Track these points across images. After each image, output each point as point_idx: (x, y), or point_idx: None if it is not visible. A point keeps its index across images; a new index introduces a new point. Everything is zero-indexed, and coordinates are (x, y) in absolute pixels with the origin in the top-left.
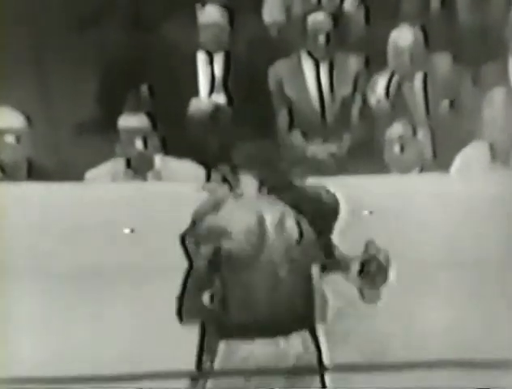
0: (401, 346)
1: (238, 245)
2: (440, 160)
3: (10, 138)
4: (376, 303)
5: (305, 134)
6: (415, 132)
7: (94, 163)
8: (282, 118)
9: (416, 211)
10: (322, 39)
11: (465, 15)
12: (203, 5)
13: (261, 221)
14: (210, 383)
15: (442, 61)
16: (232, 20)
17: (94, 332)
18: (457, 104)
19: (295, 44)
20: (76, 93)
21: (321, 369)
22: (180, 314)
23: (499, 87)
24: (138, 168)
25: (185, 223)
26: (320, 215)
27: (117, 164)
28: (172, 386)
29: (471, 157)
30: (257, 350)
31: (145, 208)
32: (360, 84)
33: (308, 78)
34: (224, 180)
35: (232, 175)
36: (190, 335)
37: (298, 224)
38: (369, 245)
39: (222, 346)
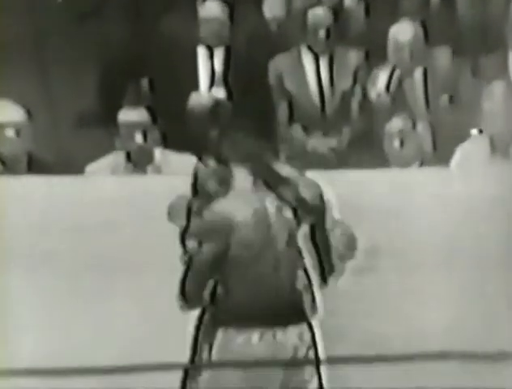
0: (400, 344)
1: (246, 238)
2: (440, 153)
3: (10, 132)
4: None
5: (305, 128)
6: (414, 126)
7: (94, 156)
8: (282, 112)
9: (415, 205)
10: (322, 33)
11: (464, 10)
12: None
13: (265, 213)
14: (207, 374)
15: (442, 56)
16: (232, 15)
17: (94, 325)
18: (457, 98)
19: (295, 38)
20: (76, 87)
21: (317, 361)
22: (183, 298)
23: (498, 80)
24: (138, 161)
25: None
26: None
27: (117, 158)
28: (172, 377)
29: (471, 151)
30: (254, 339)
31: (144, 202)
32: (360, 78)
33: (308, 72)
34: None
35: (224, 168)
36: (190, 327)
37: (295, 214)
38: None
39: (220, 334)
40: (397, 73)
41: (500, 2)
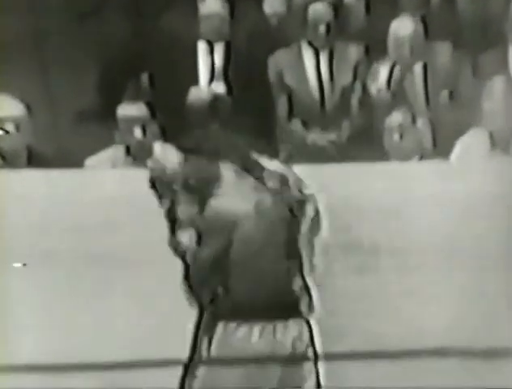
0: (399, 343)
1: (248, 233)
2: (440, 148)
3: (10, 126)
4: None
5: (304, 123)
6: (414, 120)
7: (94, 150)
8: (282, 107)
9: (415, 199)
10: (322, 29)
11: (465, 5)
12: None
13: (265, 207)
14: (205, 370)
15: (442, 51)
16: (232, 11)
17: (93, 324)
18: (456, 93)
19: (295, 34)
20: (76, 82)
21: (315, 358)
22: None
23: (499, 75)
24: (138, 155)
25: None
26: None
27: (116, 152)
28: (171, 373)
29: (471, 145)
30: (255, 334)
31: (144, 196)
32: (360, 73)
33: (308, 67)
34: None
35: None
36: (190, 323)
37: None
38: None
39: (220, 328)
40: (397, 68)
41: None
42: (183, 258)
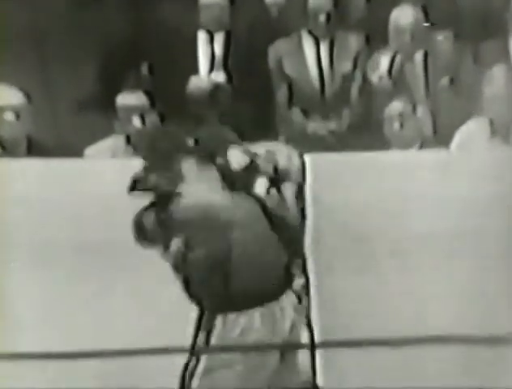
0: (399, 325)
1: (233, 223)
2: (440, 136)
3: (9, 115)
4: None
5: (304, 112)
6: (414, 109)
7: (93, 139)
8: (281, 96)
9: (415, 187)
10: (322, 18)
11: None
12: None
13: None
14: (206, 360)
15: (443, 40)
16: (232, 0)
17: (95, 307)
18: (457, 82)
19: (295, 23)
20: (76, 71)
21: (312, 345)
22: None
23: (499, 64)
24: (138, 144)
25: None
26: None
27: (116, 141)
28: (172, 361)
29: (471, 133)
30: (256, 321)
31: None
32: (361, 62)
33: (308, 56)
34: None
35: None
36: (189, 312)
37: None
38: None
39: (219, 321)
40: (398, 57)
41: None
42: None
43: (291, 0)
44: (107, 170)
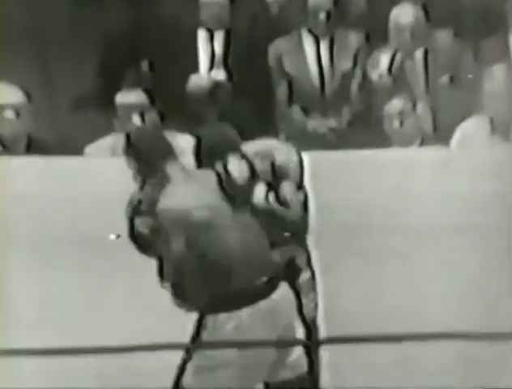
0: (400, 323)
1: (209, 220)
2: (440, 134)
3: (9, 114)
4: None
5: (304, 110)
6: (414, 107)
7: (93, 138)
8: (281, 94)
9: (415, 185)
10: (322, 16)
11: None
12: None
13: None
14: (198, 359)
15: (443, 38)
16: None
17: (94, 305)
18: (457, 80)
19: (295, 21)
20: (76, 69)
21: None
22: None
23: (499, 62)
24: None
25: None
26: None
27: (116, 139)
28: (168, 357)
29: (472, 131)
30: (246, 320)
31: None
32: (361, 60)
33: (308, 54)
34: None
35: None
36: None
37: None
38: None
39: (209, 321)
40: (398, 55)
41: None
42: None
43: None
44: (106, 168)
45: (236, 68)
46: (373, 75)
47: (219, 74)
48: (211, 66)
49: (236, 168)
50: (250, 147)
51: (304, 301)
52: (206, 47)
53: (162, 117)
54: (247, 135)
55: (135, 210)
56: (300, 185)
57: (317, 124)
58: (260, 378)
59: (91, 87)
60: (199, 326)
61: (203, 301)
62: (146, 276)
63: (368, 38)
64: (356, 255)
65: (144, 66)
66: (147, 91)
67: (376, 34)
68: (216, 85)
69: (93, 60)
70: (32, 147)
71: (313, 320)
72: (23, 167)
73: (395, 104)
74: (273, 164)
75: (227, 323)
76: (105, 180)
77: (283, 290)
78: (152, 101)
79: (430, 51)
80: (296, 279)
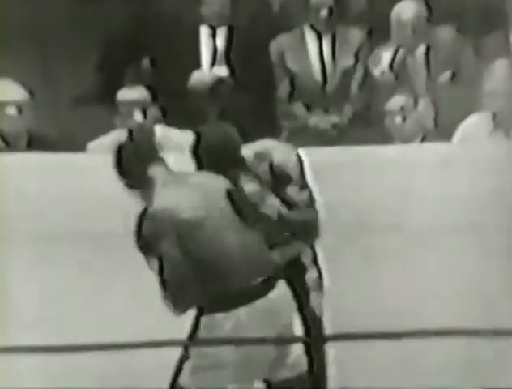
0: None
1: (199, 220)
2: (442, 130)
3: (11, 110)
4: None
5: (306, 106)
6: (416, 103)
7: (95, 134)
8: (283, 90)
9: (417, 182)
10: (324, 13)
11: None
12: None
13: (207, 193)
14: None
15: (445, 34)
16: None
17: (93, 302)
18: (459, 76)
19: (297, 18)
20: (78, 65)
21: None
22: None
23: (501, 58)
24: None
25: None
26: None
27: (119, 135)
28: (167, 356)
29: (474, 127)
30: (242, 318)
31: None
32: (362, 56)
33: (310, 50)
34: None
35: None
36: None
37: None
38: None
39: (206, 320)
40: (402, 52)
41: None
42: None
43: None
44: (108, 165)
45: (237, 64)
46: (375, 72)
47: (222, 71)
48: (213, 63)
49: (250, 187)
50: (249, 148)
51: (312, 299)
52: (209, 43)
53: (164, 114)
54: (249, 131)
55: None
56: (303, 185)
57: (318, 120)
58: (258, 377)
59: (93, 84)
60: (196, 325)
61: (200, 301)
62: (146, 275)
63: (370, 34)
64: (357, 255)
65: (146, 62)
66: (149, 88)
67: (378, 30)
68: (218, 81)
69: (95, 57)
70: (34, 143)
71: (320, 318)
72: (25, 163)
73: (397, 101)
74: (271, 165)
75: (224, 323)
76: (106, 177)
77: (282, 289)
78: (154, 98)
79: (432, 47)
80: (302, 277)
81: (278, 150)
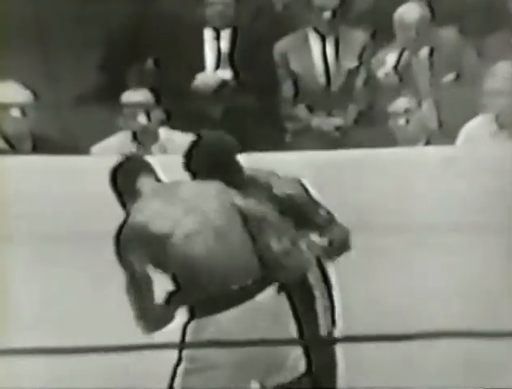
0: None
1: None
2: (446, 131)
3: (15, 112)
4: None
5: (310, 108)
6: (420, 105)
7: (99, 136)
8: (287, 91)
9: (421, 183)
10: (327, 15)
11: None
12: None
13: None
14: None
15: (448, 35)
16: None
17: (93, 302)
18: (462, 77)
19: (301, 19)
20: (82, 67)
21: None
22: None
23: (504, 60)
24: (143, 141)
25: None
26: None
27: (123, 138)
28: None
29: (477, 128)
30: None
31: None
32: (366, 58)
33: (314, 52)
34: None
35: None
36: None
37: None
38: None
39: (192, 324)
40: (407, 54)
41: None
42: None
43: None
44: (109, 167)
45: (241, 66)
46: (379, 73)
47: (226, 73)
48: (217, 65)
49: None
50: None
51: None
52: (213, 45)
53: (168, 116)
54: (252, 133)
55: None
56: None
57: (321, 122)
58: (253, 379)
59: (97, 86)
60: (185, 330)
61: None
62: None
63: (373, 36)
64: (357, 255)
65: (149, 64)
66: (153, 90)
67: (381, 32)
68: (222, 84)
69: (99, 58)
70: (38, 145)
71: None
72: (29, 166)
73: (401, 102)
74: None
75: (209, 326)
76: (107, 178)
77: (272, 291)
78: (158, 100)
79: (435, 49)
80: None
81: (280, 184)
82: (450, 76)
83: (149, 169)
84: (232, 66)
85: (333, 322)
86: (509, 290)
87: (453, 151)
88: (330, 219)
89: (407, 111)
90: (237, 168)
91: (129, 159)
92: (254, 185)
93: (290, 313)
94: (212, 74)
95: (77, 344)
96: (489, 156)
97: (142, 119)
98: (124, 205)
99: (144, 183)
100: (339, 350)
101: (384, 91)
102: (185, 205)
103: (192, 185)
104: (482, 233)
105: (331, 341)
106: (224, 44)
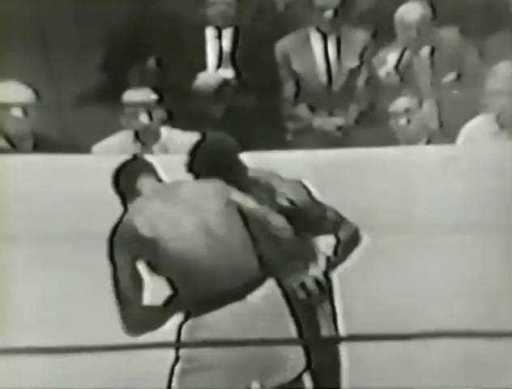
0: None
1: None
2: (446, 131)
3: (17, 112)
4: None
5: (311, 107)
6: (421, 105)
7: (100, 136)
8: (289, 91)
9: (421, 182)
10: (329, 14)
11: None
12: None
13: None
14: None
15: (449, 35)
16: None
17: (93, 302)
18: (463, 77)
19: (302, 19)
20: (83, 67)
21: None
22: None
23: (505, 59)
24: (145, 140)
25: None
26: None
27: (124, 137)
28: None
29: (478, 128)
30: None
31: None
32: (367, 57)
33: (315, 52)
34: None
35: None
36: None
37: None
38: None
39: (188, 324)
40: (408, 54)
41: None
42: None
43: None
44: (110, 167)
45: (242, 66)
46: (380, 73)
47: (227, 73)
48: (219, 64)
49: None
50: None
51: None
52: (214, 45)
53: (170, 115)
54: (253, 132)
55: None
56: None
57: (323, 122)
58: (253, 379)
59: (99, 85)
60: (180, 329)
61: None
62: (146, 276)
63: (374, 36)
64: (357, 255)
65: (151, 63)
66: (155, 89)
67: (382, 32)
68: (224, 83)
69: (100, 58)
70: (39, 145)
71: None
72: (30, 165)
73: (401, 102)
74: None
75: (205, 326)
76: (108, 178)
77: (269, 291)
78: (160, 99)
79: (436, 48)
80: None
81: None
82: (451, 76)
83: (150, 170)
84: (234, 65)
85: (335, 325)
86: (509, 290)
87: (453, 151)
88: (339, 219)
89: (407, 111)
90: (240, 168)
91: (130, 160)
92: (256, 186)
93: (289, 312)
94: (214, 73)
95: (77, 344)
96: (490, 156)
97: (143, 118)
98: (126, 206)
99: (144, 183)
100: (343, 349)
101: (385, 91)
102: (185, 205)
103: (192, 184)
104: (482, 233)
105: (331, 341)
106: (226, 44)
